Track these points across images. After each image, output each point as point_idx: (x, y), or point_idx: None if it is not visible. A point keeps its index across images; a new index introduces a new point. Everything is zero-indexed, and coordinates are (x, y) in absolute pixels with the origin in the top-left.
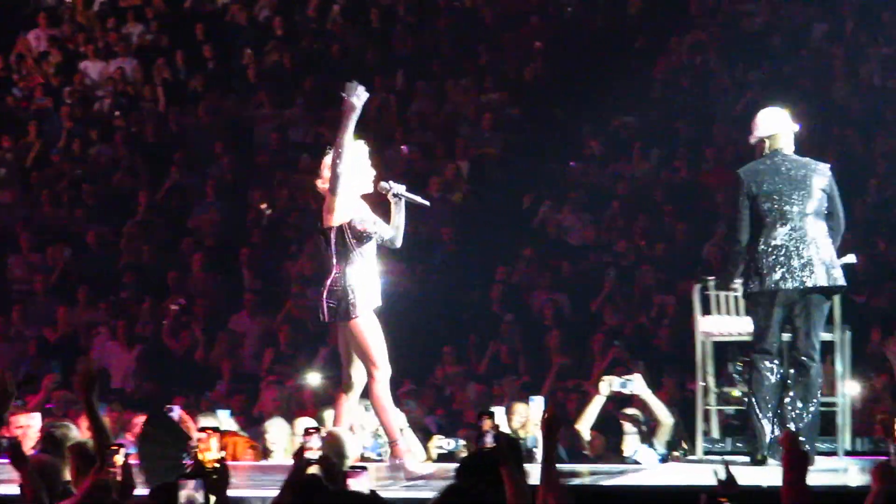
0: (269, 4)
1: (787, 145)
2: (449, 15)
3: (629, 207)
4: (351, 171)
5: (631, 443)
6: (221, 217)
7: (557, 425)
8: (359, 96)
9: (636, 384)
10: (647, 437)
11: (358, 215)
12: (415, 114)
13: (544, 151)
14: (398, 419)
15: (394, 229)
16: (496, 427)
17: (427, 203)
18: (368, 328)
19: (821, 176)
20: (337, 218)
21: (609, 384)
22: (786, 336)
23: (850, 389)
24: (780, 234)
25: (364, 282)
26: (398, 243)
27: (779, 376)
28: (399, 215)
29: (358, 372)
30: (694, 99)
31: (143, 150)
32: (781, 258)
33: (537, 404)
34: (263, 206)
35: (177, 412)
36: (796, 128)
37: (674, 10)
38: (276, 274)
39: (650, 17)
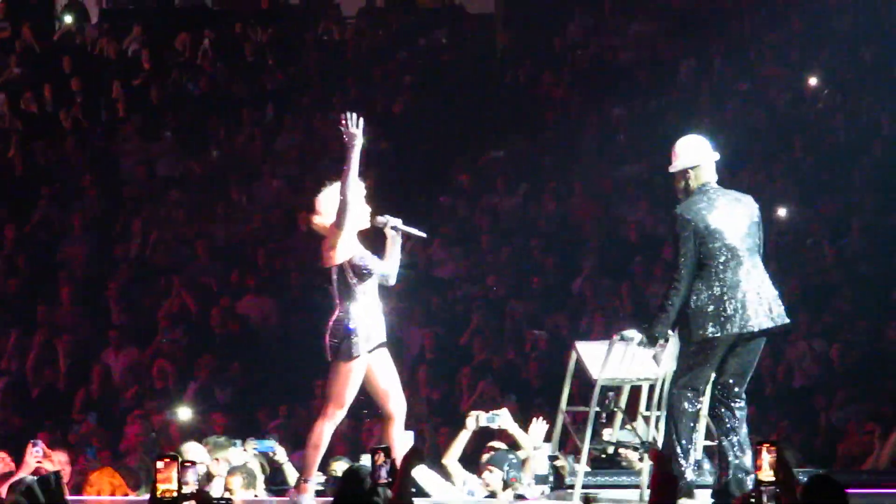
0: (138, 38)
1: (713, 176)
2: (318, 49)
3: (497, 241)
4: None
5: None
6: (89, 250)
7: (416, 461)
8: (357, 126)
9: (503, 418)
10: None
11: (358, 252)
12: (282, 147)
13: (413, 185)
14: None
15: (390, 264)
16: (390, 461)
17: (424, 235)
18: (356, 372)
19: (752, 208)
20: (339, 256)
21: (476, 419)
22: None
23: None
24: (736, 274)
25: (367, 320)
26: (392, 280)
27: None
28: (395, 248)
29: (395, 399)
30: (561, 133)
31: (10, 184)
32: (741, 300)
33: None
34: None
35: (40, 447)
36: (717, 156)
37: (541, 46)
38: (144, 308)
39: (518, 52)
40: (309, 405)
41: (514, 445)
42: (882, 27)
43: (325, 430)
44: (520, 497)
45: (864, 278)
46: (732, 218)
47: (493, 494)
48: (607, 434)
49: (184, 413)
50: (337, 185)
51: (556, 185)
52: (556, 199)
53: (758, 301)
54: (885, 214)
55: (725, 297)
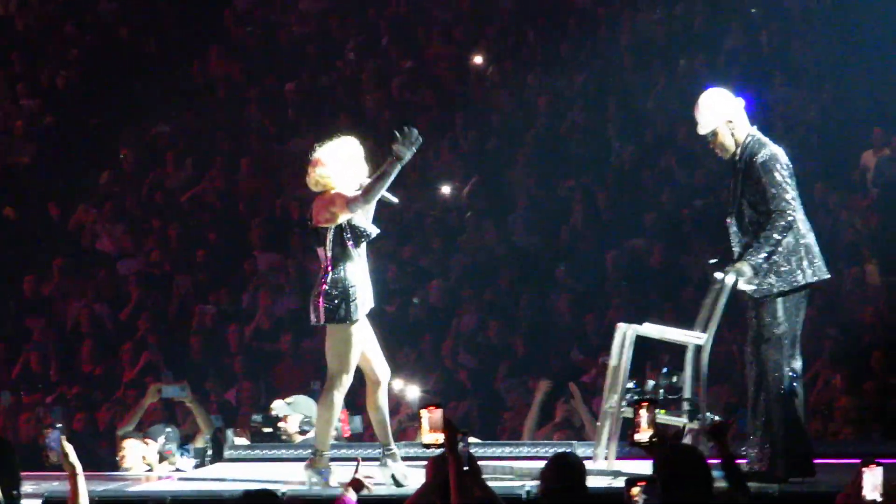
0: None
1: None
2: None
3: (165, 216)
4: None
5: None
6: None
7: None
8: (412, 145)
9: (188, 391)
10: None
11: (357, 214)
12: None
13: (78, 160)
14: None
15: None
16: None
17: (397, 200)
18: (357, 335)
19: None
20: (342, 217)
21: (158, 389)
22: None
23: None
24: (806, 220)
25: (364, 284)
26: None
27: None
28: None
29: (381, 366)
30: (229, 109)
31: None
32: (816, 247)
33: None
34: None
35: None
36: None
37: (209, 19)
38: None
39: (184, 25)
40: None
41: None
42: (544, 6)
43: (335, 401)
44: (176, 470)
45: (528, 253)
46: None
47: (150, 467)
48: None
49: None
50: (345, 142)
51: (223, 159)
52: (224, 174)
53: (818, 250)
54: (548, 189)
55: (809, 244)
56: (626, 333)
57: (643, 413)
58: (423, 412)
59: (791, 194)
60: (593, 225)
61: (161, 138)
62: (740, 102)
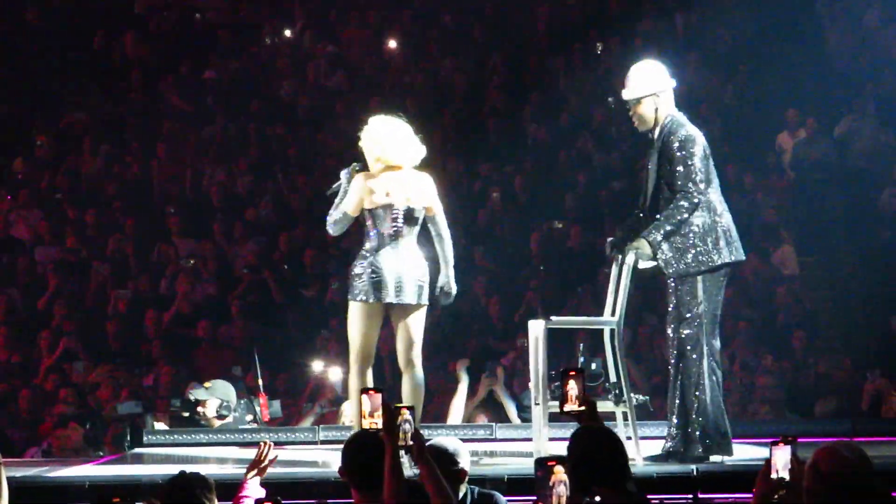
0: None
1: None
2: None
3: (79, 202)
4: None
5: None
6: None
7: None
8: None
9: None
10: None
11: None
12: None
13: None
14: None
15: None
16: None
17: None
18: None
19: None
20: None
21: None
22: None
23: None
24: (723, 202)
25: None
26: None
27: None
28: None
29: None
30: (140, 96)
31: None
32: (733, 228)
33: None
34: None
35: None
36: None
37: (122, 8)
38: None
39: (98, 12)
40: None
41: None
42: None
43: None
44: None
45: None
46: None
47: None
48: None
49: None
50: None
51: (139, 146)
52: (139, 160)
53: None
54: (468, 173)
55: (726, 224)
56: (537, 332)
57: (571, 384)
58: (364, 397)
59: (700, 176)
60: (511, 208)
61: (77, 124)
62: (672, 82)
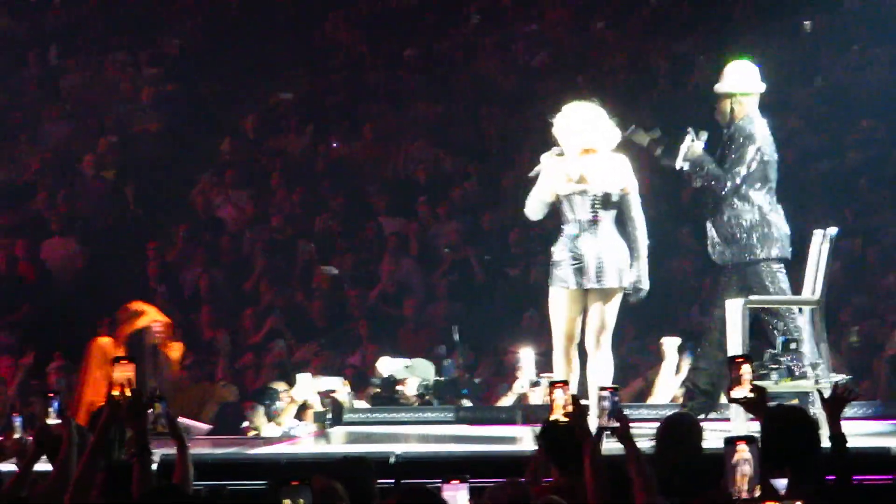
0: None
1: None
2: None
3: (286, 183)
4: None
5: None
6: None
7: None
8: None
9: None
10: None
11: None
12: (67, 89)
13: (200, 127)
14: None
15: None
16: None
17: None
18: None
19: None
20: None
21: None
22: None
23: None
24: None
25: None
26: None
27: None
28: None
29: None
30: (349, 74)
31: None
32: (779, 227)
33: None
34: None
35: None
36: (763, 88)
37: None
38: None
39: None
40: None
41: None
42: None
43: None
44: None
45: None
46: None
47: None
48: None
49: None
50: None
51: (344, 125)
52: (344, 140)
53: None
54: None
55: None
56: (736, 311)
57: (744, 369)
58: (558, 390)
59: (742, 171)
60: None
61: (282, 105)
62: (759, 87)
